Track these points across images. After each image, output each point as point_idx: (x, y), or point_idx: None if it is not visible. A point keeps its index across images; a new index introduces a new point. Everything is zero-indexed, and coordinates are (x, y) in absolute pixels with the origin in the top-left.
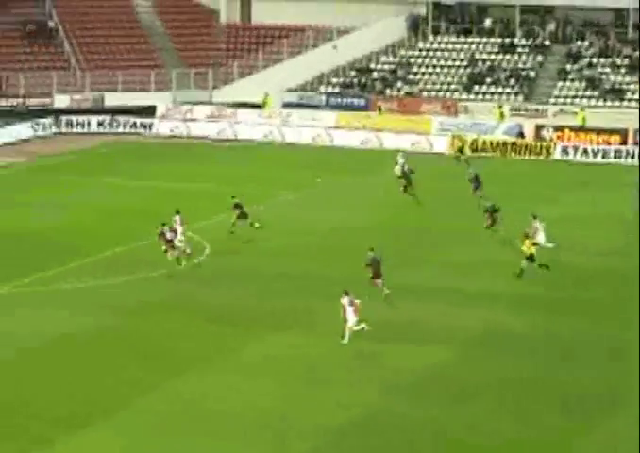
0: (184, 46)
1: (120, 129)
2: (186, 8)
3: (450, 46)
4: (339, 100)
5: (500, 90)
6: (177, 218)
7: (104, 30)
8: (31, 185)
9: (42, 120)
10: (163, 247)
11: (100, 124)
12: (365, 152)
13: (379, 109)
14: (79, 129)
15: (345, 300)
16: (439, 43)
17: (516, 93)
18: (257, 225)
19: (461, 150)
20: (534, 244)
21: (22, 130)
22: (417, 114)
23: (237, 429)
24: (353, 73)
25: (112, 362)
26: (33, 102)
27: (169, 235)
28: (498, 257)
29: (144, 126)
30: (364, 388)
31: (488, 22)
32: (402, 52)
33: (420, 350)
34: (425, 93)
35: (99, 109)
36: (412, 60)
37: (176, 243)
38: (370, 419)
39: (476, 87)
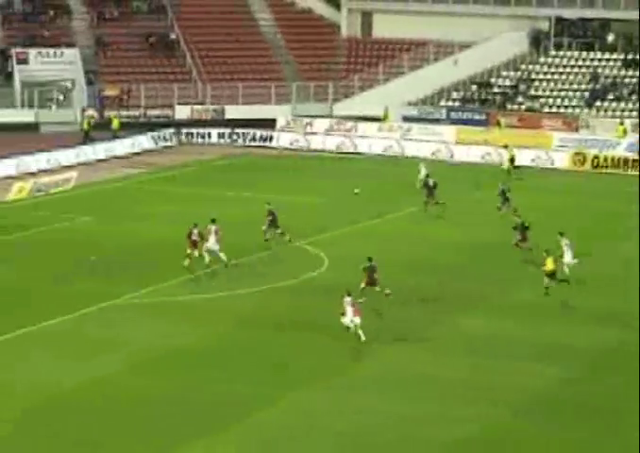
0: (305, 59)
1: (240, 142)
2: (307, 22)
3: (572, 61)
4: (459, 114)
5: (623, 105)
6: (212, 227)
7: (225, 43)
8: (151, 196)
9: (162, 131)
10: (188, 250)
11: (220, 136)
12: (485, 167)
13: (499, 124)
14: (200, 141)
15: (347, 300)
16: (561, 58)
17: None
18: (287, 238)
19: (512, 160)
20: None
21: (143, 141)
22: (538, 129)
23: (352, 446)
24: (474, 87)
25: (231, 374)
26: (154, 113)
27: (195, 237)
28: (609, 271)
29: (264, 139)
30: (479, 404)
31: (611, 37)
32: (523, 67)
33: (534, 367)
34: (546, 109)
35: (220, 122)
36: (534, 75)
37: (205, 248)
38: (484, 435)
39: (597, 102)
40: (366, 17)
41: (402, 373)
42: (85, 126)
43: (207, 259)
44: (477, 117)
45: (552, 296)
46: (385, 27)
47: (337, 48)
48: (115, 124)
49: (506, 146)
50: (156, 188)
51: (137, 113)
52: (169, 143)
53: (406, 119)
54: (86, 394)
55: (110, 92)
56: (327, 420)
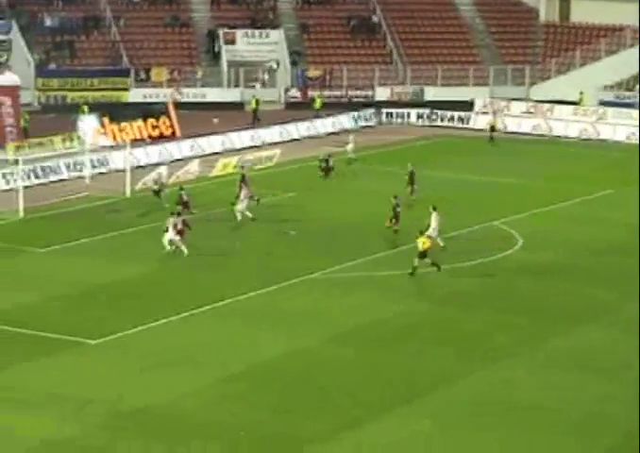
0: (503, 43)
1: (438, 122)
2: (506, 6)
3: None
4: None
5: None
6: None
7: (425, 26)
8: (352, 174)
9: (363, 111)
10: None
11: (419, 117)
12: None
13: None
14: (399, 121)
15: (170, 221)
16: None
17: None
18: (256, 198)
19: (493, 128)
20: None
21: (344, 121)
22: None
23: (545, 421)
24: None
25: (422, 349)
26: (355, 94)
27: (185, 198)
28: None
29: (462, 120)
30: None
31: None
32: None
33: None
34: None
35: (419, 103)
36: None
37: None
38: None
39: None
40: (564, 3)
41: (591, 350)
42: (253, 106)
43: (238, 217)
44: None
45: None
46: (583, 13)
47: (535, 33)
48: (318, 103)
49: (495, 113)
50: (355, 167)
51: (339, 94)
52: (369, 123)
53: (602, 103)
54: (284, 365)
55: (314, 72)
56: (520, 395)
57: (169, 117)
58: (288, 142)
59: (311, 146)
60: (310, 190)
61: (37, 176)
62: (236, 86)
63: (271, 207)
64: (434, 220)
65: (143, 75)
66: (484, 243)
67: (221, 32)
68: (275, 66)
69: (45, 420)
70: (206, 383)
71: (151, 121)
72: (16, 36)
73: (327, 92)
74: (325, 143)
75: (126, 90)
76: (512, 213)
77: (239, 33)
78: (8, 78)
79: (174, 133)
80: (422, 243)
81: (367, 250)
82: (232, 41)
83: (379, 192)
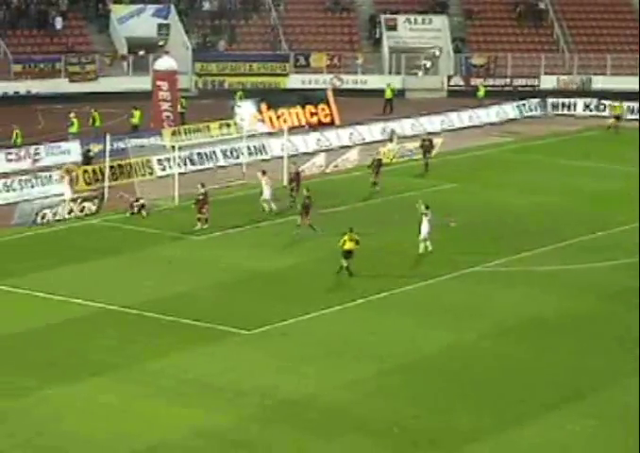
0: None
1: (605, 113)
2: None
3: None
4: None
5: None
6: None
7: (594, 12)
8: (515, 165)
9: (528, 101)
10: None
11: (586, 107)
12: None
13: None
14: (565, 112)
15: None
16: None
17: None
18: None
19: (618, 117)
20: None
21: (508, 110)
22: None
23: None
24: None
25: (585, 346)
26: (520, 83)
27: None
28: None
29: (632, 111)
30: None
31: None
32: None
33: None
34: None
35: (586, 92)
36: None
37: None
38: None
39: None
40: None
41: None
42: (387, 95)
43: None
44: None
45: None
46: None
47: None
48: (481, 92)
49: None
50: (519, 157)
51: (503, 82)
52: (534, 113)
53: None
54: (443, 359)
55: (477, 60)
56: None
57: (328, 104)
58: (450, 130)
59: (473, 136)
60: (471, 181)
61: (193, 163)
62: (397, 73)
63: (432, 197)
64: (425, 217)
65: (302, 61)
66: None
67: (382, 18)
68: (437, 53)
69: (197, 410)
70: (362, 376)
71: (309, 108)
72: (174, 20)
73: (490, 81)
74: (489, 133)
75: (284, 75)
76: None
77: (401, 19)
78: (166, 63)
79: (332, 121)
80: (342, 241)
81: (531, 244)
82: (394, 27)
83: (543, 183)
